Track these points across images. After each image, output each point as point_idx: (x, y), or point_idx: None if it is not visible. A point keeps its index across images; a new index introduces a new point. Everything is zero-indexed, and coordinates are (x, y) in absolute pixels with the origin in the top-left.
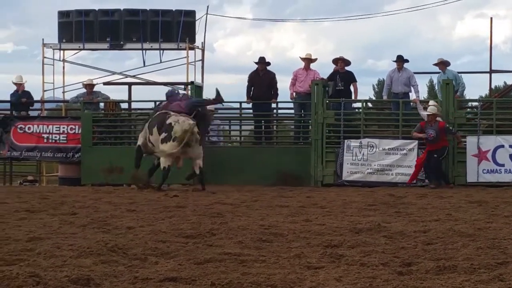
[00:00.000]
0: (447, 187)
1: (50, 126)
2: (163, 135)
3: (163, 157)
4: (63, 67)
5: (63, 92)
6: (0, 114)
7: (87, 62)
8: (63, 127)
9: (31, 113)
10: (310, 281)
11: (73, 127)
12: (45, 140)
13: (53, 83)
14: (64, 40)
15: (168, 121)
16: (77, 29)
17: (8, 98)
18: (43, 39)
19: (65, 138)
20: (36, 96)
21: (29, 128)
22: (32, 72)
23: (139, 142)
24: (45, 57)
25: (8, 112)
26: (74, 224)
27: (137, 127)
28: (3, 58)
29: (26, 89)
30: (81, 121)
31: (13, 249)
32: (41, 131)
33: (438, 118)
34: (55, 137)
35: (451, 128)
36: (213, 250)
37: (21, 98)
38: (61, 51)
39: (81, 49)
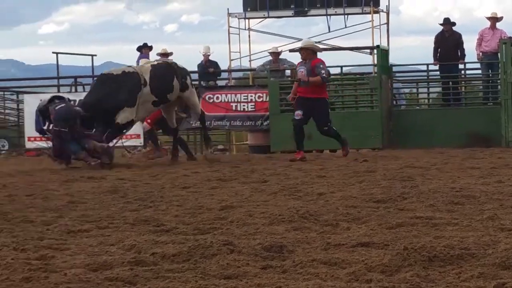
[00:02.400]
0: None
1: (238, 95)
2: None
3: None
4: (249, 36)
5: (250, 61)
6: None
7: (272, 30)
8: (251, 96)
9: (219, 83)
10: (504, 243)
11: (261, 95)
12: (233, 109)
13: (240, 52)
14: (248, 9)
15: None
16: None
17: (196, 69)
18: (228, 9)
19: (253, 107)
20: (223, 66)
21: (217, 98)
22: (219, 41)
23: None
24: (231, 27)
25: (196, 82)
26: (265, 192)
27: None
28: (190, 29)
29: (213, 59)
30: (268, 89)
31: (206, 218)
32: (230, 100)
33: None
34: (243, 105)
35: (322, 70)
36: (405, 214)
37: (209, 68)
38: (246, 20)
39: (265, 17)
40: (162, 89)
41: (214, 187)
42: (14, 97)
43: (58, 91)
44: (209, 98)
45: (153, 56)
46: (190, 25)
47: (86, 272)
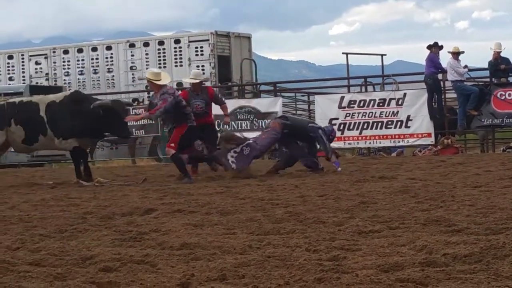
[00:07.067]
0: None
1: None
2: None
3: None
4: None
5: None
6: (479, 82)
7: None
8: None
9: (511, 79)
10: None
11: None
12: None
13: None
14: None
15: None
16: None
17: (486, 66)
18: None
19: None
20: None
21: (509, 95)
22: (510, 37)
23: None
24: None
25: (487, 79)
26: None
27: None
28: (481, 25)
29: (504, 55)
30: None
31: (498, 217)
32: None
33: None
34: None
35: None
36: None
37: (500, 65)
38: None
39: None
40: None
41: (507, 185)
42: (305, 98)
43: (348, 91)
44: (501, 95)
45: (444, 55)
46: (482, 21)
47: (377, 273)
